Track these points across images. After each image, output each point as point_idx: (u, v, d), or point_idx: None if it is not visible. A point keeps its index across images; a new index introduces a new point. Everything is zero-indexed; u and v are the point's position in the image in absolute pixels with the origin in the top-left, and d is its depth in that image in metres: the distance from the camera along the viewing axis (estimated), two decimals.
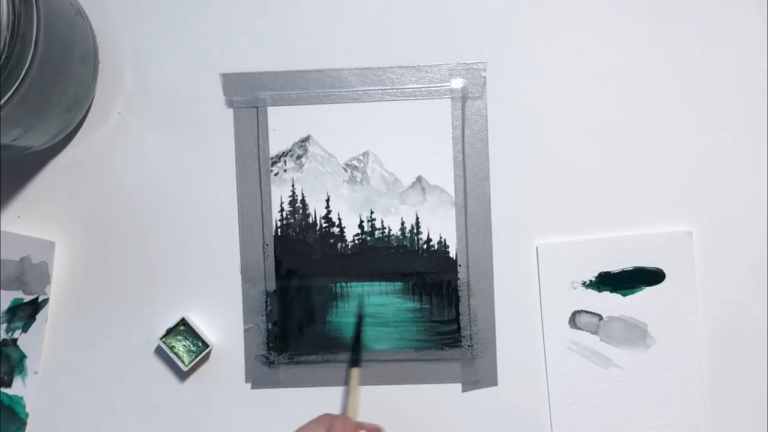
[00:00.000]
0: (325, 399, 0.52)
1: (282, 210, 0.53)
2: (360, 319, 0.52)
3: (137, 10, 0.53)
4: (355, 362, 0.51)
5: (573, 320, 0.52)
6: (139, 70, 0.53)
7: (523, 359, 0.52)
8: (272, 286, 0.53)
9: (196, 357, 0.51)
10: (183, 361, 0.51)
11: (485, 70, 0.52)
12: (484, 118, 0.52)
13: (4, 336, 0.50)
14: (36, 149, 0.50)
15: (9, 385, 0.51)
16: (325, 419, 0.44)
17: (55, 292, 0.53)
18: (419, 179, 0.52)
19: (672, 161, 0.52)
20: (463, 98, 0.52)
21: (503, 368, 0.52)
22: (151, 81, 0.53)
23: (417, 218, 0.52)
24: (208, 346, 0.51)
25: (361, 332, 0.52)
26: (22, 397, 0.52)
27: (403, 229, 0.52)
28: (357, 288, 0.52)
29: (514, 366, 0.52)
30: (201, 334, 0.51)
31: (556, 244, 0.52)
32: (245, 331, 0.53)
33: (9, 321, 0.50)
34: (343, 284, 0.52)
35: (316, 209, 0.53)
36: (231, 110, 0.53)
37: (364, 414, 0.52)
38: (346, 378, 0.52)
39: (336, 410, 0.52)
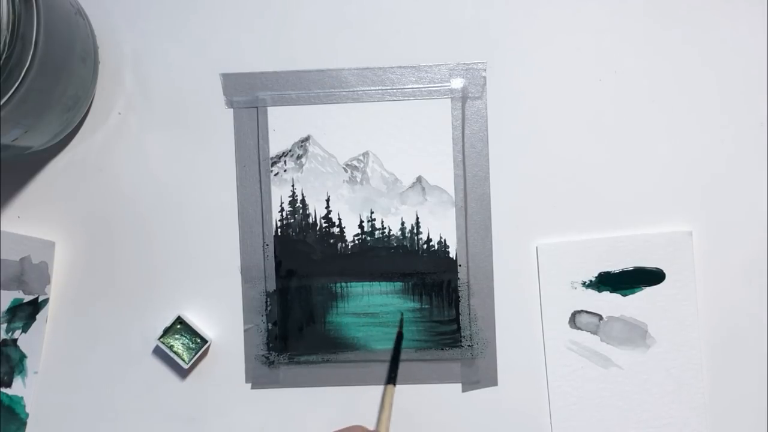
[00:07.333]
0: (325, 399, 0.52)
1: (282, 210, 0.53)
2: (399, 336, 0.52)
3: (137, 10, 0.53)
4: (391, 379, 0.50)
5: (573, 320, 0.52)
6: (139, 70, 0.53)
7: (523, 359, 0.52)
8: (272, 286, 0.53)
9: (196, 354, 0.51)
10: (183, 359, 0.51)
11: (485, 70, 0.52)
12: (484, 118, 0.52)
13: (4, 336, 0.50)
14: (36, 149, 0.50)
15: (9, 385, 0.51)
16: (357, 431, 0.44)
17: (55, 292, 0.53)
18: (419, 179, 0.52)
19: (672, 161, 0.52)
20: (463, 98, 0.52)
21: (503, 368, 0.52)
22: (151, 81, 0.53)
23: (417, 218, 0.52)
24: (206, 341, 0.51)
25: (399, 350, 0.51)
26: (22, 397, 0.52)
27: (403, 229, 0.52)
28: (357, 288, 0.52)
29: (514, 366, 0.52)
30: (198, 330, 0.51)
31: (556, 244, 0.52)
32: (245, 331, 0.53)
33: (9, 321, 0.50)
34: (343, 284, 0.52)
35: (316, 209, 0.53)
36: (231, 110, 0.53)
37: (363, 413, 0.52)
38: (381, 396, 0.51)
39: (335, 410, 0.52)
